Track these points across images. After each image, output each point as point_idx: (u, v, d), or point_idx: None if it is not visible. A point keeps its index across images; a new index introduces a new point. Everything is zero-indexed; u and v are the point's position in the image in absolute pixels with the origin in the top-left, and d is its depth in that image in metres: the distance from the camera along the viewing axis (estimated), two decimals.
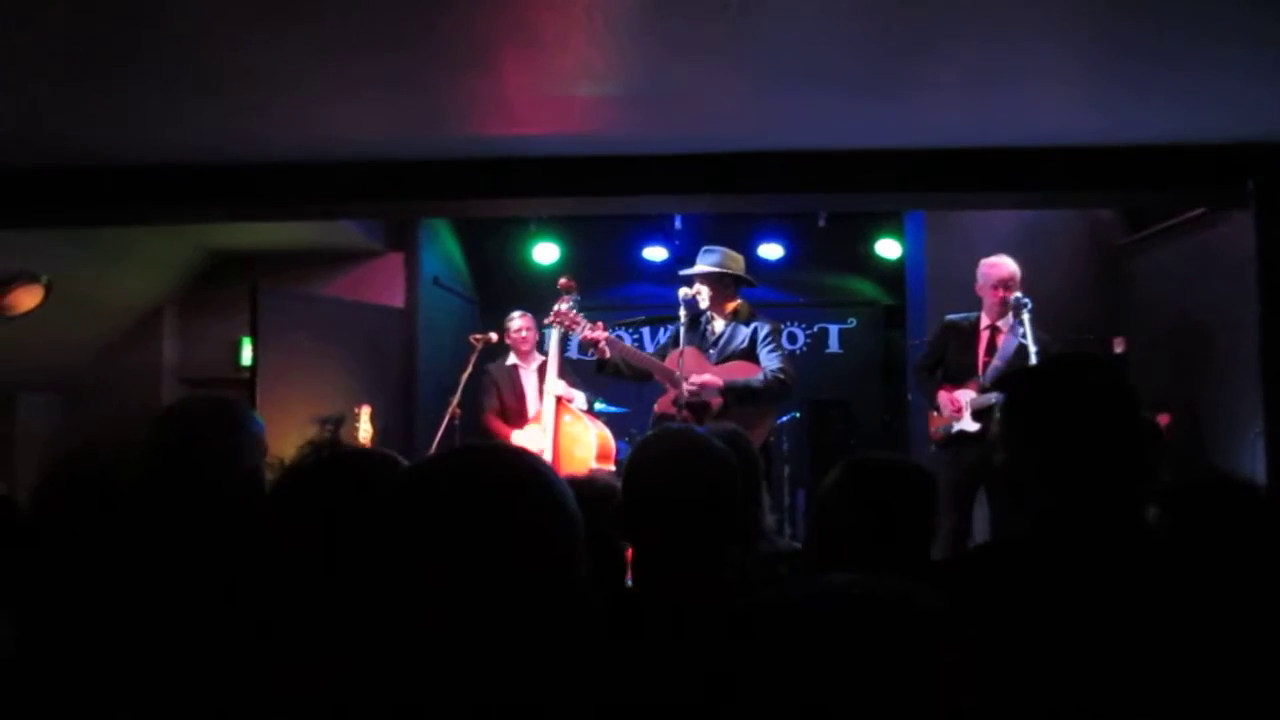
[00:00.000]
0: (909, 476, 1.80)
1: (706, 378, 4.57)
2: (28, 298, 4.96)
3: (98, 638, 1.45)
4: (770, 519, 2.55)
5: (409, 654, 1.09)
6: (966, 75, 3.25)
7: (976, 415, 4.78)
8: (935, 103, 3.53)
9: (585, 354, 6.87)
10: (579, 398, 5.35)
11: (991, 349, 4.88)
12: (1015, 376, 1.81)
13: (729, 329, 4.75)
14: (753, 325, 4.74)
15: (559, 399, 5.19)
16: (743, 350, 4.69)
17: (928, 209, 6.15)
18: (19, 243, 4.78)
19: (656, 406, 4.74)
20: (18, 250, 4.86)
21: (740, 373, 4.63)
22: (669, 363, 4.61)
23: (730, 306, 4.78)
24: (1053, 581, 1.48)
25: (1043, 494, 1.64)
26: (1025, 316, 4.69)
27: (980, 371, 4.85)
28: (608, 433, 5.26)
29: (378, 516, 1.14)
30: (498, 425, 5.41)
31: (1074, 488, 1.58)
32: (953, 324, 5.09)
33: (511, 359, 5.61)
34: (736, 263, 4.81)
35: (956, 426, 4.82)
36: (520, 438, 5.21)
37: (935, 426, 4.95)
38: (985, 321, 4.93)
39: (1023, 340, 4.69)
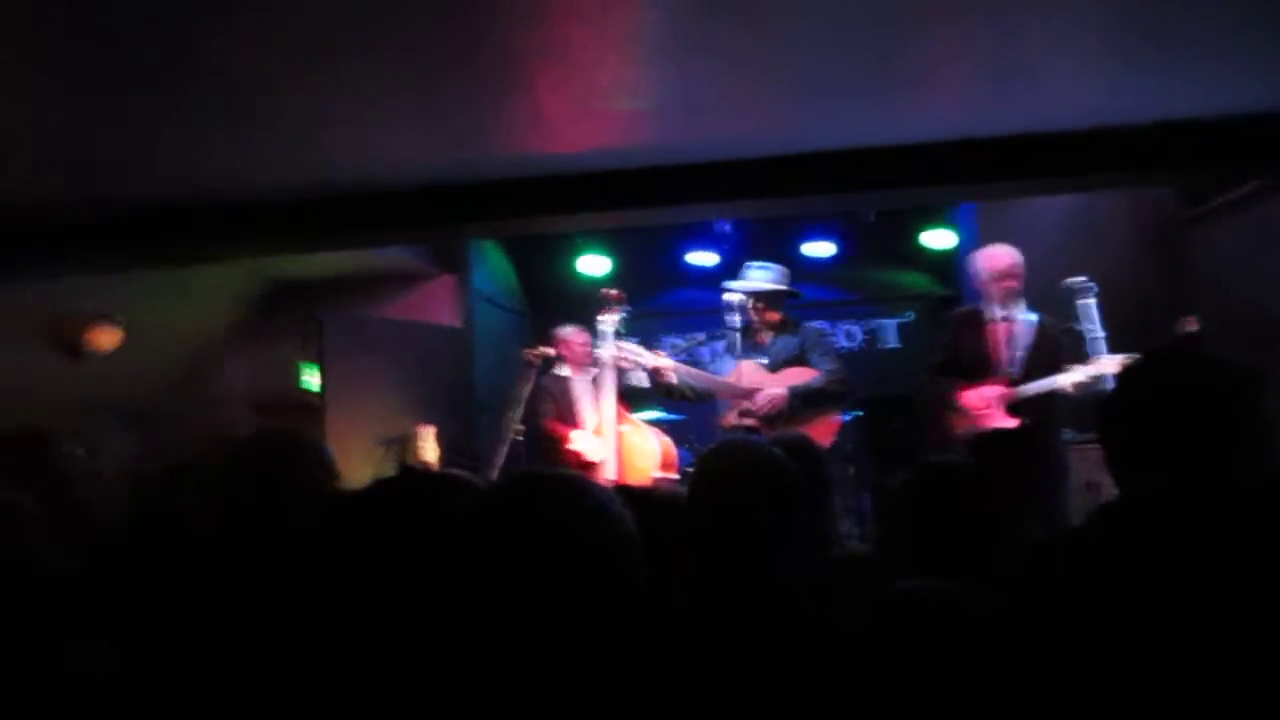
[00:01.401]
0: (970, 479, 1.79)
1: (774, 391, 4.70)
2: (107, 339, 5.16)
3: (187, 665, 1.50)
4: (844, 523, 2.54)
5: (478, 668, 1.13)
6: (1008, 62, 3.21)
7: (1013, 409, 4.55)
8: (980, 91, 3.49)
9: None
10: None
11: (1010, 340, 4.65)
12: (1126, 373, 1.74)
13: (776, 340, 4.91)
14: (800, 333, 4.93)
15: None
16: (794, 357, 4.85)
17: (981, 200, 6.07)
18: (83, 281, 4.94)
19: (723, 423, 4.82)
20: (84, 288, 5.02)
21: (799, 378, 4.78)
22: (731, 379, 4.77)
23: (775, 319, 4.94)
24: (1134, 568, 1.47)
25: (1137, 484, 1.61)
26: (1091, 300, 4.54)
27: (1005, 365, 4.62)
28: (670, 441, 5.25)
29: (452, 538, 1.19)
30: (559, 428, 5.38)
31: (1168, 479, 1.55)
32: (962, 319, 4.87)
33: (564, 370, 5.52)
34: (786, 277, 4.99)
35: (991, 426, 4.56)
36: (580, 439, 5.22)
37: (962, 427, 4.66)
38: (997, 313, 4.66)
39: (1080, 328, 4.51)
